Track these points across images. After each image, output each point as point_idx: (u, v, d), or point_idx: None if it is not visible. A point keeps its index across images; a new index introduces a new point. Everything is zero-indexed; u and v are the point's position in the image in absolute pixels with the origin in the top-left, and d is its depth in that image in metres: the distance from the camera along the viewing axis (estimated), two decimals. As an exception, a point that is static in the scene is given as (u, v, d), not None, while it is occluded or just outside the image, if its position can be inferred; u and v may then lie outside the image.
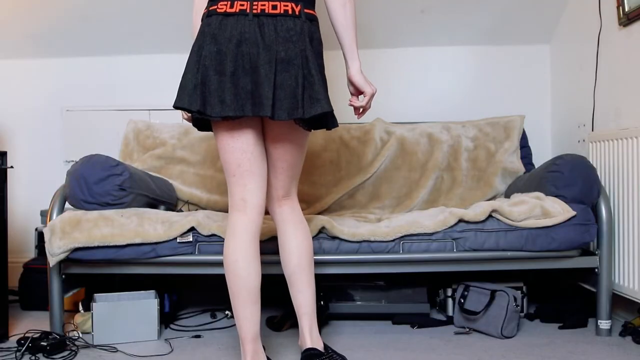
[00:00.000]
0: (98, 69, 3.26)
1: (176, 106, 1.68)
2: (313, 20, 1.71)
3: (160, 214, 2.26)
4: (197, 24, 1.80)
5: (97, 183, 2.19)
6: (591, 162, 2.34)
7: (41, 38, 3.15)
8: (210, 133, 2.93)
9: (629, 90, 2.41)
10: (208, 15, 1.69)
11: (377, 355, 2.07)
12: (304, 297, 1.85)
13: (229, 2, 1.66)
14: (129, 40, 3.17)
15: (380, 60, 3.20)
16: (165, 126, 3.00)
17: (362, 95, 1.78)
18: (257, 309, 1.74)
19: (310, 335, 1.84)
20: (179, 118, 3.24)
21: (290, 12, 1.65)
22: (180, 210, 2.70)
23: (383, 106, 3.19)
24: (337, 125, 1.80)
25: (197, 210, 2.67)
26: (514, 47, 3.19)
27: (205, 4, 1.77)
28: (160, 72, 3.25)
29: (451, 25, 3.10)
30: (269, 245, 2.18)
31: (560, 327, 2.36)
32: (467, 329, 2.34)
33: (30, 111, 3.27)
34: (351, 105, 1.80)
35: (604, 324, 2.24)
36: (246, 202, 1.74)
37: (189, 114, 1.86)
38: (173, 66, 3.25)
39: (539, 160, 2.97)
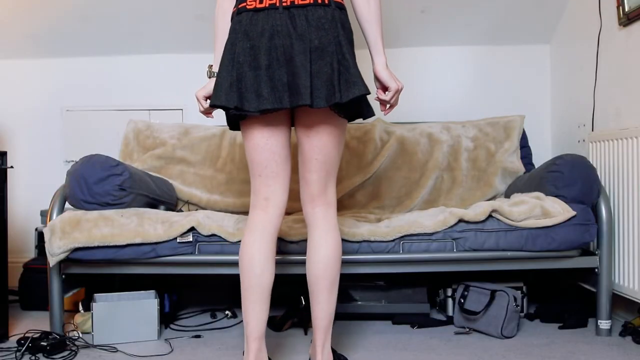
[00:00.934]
0: (98, 69, 3.26)
1: (213, 104, 1.68)
2: (342, 8, 1.71)
3: (160, 214, 2.26)
4: (220, 22, 1.80)
5: (97, 183, 2.19)
6: (591, 162, 2.34)
7: (41, 38, 3.15)
8: (210, 133, 2.93)
9: (629, 90, 2.41)
10: (238, 12, 1.69)
11: (377, 355, 2.07)
12: (322, 310, 1.79)
13: None
14: (129, 40, 3.18)
15: (380, 60, 3.20)
16: (165, 126, 3.00)
17: (388, 91, 1.76)
18: (266, 307, 1.74)
19: (322, 350, 1.79)
20: (179, 118, 3.25)
21: (320, 1, 1.66)
22: (180, 210, 2.70)
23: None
24: (374, 114, 1.78)
25: (197, 210, 2.67)
26: (514, 47, 3.19)
27: (230, 2, 1.77)
28: (160, 72, 3.25)
29: (451, 25, 3.10)
30: (269, 245, 2.19)
31: (560, 327, 2.36)
32: (467, 329, 2.34)
33: (30, 111, 3.28)
34: (377, 99, 1.80)
35: (604, 324, 2.24)
36: (269, 202, 1.74)
37: (207, 107, 1.83)
38: (173, 66, 3.26)
39: (539, 160, 2.97)
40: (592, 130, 2.68)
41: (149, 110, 3.25)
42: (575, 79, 2.89)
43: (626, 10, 2.39)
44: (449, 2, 2.96)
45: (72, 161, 3.19)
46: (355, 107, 1.73)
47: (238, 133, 2.94)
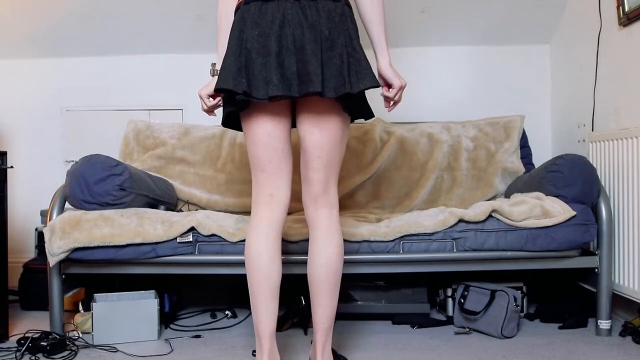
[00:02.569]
0: (98, 69, 3.26)
1: (219, 88, 1.65)
2: (349, 6, 1.73)
3: (160, 214, 2.26)
4: (223, 20, 1.79)
5: (97, 183, 2.19)
6: (591, 162, 2.34)
7: (41, 38, 3.15)
8: (210, 133, 2.93)
9: (629, 90, 2.41)
10: (246, 2, 1.69)
11: (377, 355, 2.07)
12: (323, 312, 1.77)
13: None
14: (129, 40, 3.18)
15: (380, 60, 3.20)
16: (165, 126, 3.00)
17: (392, 88, 1.78)
18: (276, 305, 1.72)
19: (322, 351, 1.78)
20: (179, 118, 3.25)
21: None
22: (180, 210, 2.70)
23: (383, 106, 3.18)
24: (373, 116, 1.81)
25: (197, 210, 2.67)
26: (514, 47, 3.19)
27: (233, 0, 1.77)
28: (160, 72, 3.25)
29: (451, 25, 3.10)
30: (269, 245, 2.19)
31: (560, 327, 2.36)
32: (467, 329, 2.34)
33: (30, 111, 3.28)
34: (382, 95, 1.82)
35: (604, 324, 2.24)
36: (273, 198, 1.73)
37: (210, 106, 1.83)
38: (173, 66, 3.26)
39: (539, 160, 2.97)
40: (592, 130, 2.68)
41: (149, 110, 3.25)
42: (575, 79, 2.89)
43: (626, 10, 2.39)
44: (449, 2, 2.96)
45: (72, 161, 3.20)
46: (359, 105, 1.75)
47: (239, 133, 2.93)
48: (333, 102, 1.70)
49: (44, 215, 2.81)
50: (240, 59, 1.64)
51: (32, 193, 3.25)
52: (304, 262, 2.21)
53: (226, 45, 1.74)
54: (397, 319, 2.46)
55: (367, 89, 1.65)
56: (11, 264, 2.64)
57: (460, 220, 2.22)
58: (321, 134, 1.72)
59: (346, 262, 2.21)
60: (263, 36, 1.63)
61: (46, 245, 2.13)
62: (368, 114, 1.79)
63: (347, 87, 1.62)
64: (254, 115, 1.71)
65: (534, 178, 2.44)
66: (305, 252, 2.19)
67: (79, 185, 2.19)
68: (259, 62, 1.62)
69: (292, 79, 1.61)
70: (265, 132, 1.71)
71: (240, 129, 1.83)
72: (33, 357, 2.05)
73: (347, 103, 1.70)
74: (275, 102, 1.66)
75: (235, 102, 1.67)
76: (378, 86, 1.68)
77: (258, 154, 1.73)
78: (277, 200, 1.74)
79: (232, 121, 1.82)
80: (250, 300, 1.73)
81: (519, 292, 2.45)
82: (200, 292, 3.03)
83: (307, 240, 2.19)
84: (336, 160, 1.77)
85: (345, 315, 2.50)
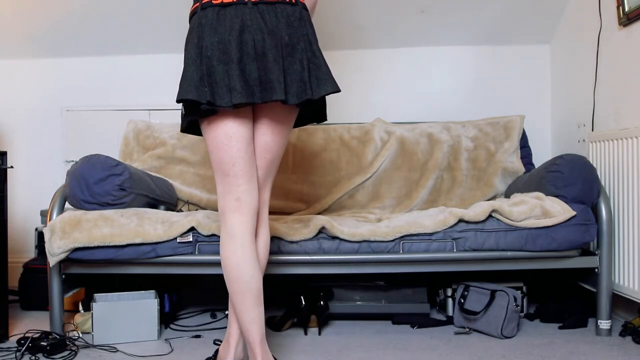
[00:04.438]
0: (98, 69, 3.26)
1: (182, 99, 1.64)
2: (306, 9, 1.74)
3: (160, 214, 2.26)
4: None
5: (97, 183, 2.19)
6: (591, 162, 2.34)
7: (41, 38, 3.15)
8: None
9: (629, 90, 2.41)
10: (202, 7, 1.67)
11: (377, 355, 2.07)
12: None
13: None
14: (129, 40, 3.17)
15: (380, 60, 3.20)
16: (165, 126, 3.00)
17: None
18: (262, 310, 1.71)
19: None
20: (179, 118, 3.25)
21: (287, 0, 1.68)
22: (180, 210, 2.69)
23: (383, 106, 3.19)
24: (327, 119, 1.84)
25: (197, 210, 2.67)
26: (514, 47, 3.19)
27: None
28: (160, 72, 3.25)
29: (451, 25, 3.10)
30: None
31: (560, 327, 2.36)
32: (467, 329, 2.34)
33: (30, 111, 3.28)
34: None
35: (604, 324, 2.24)
36: (241, 202, 1.69)
37: None
38: (173, 66, 3.25)
39: (539, 160, 2.97)
40: (592, 130, 2.68)
41: (149, 110, 3.25)
42: (575, 79, 2.89)
43: (626, 10, 2.39)
44: (449, 2, 2.96)
45: (72, 161, 3.19)
46: (318, 109, 1.78)
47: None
48: (292, 108, 1.74)
49: (44, 215, 2.81)
50: (201, 68, 1.63)
51: (32, 193, 3.25)
52: (304, 263, 2.22)
53: None
54: (397, 319, 2.46)
55: (327, 94, 1.66)
56: (11, 264, 2.64)
57: (460, 220, 2.22)
58: (272, 137, 1.77)
59: (346, 262, 2.22)
60: (223, 43, 1.62)
61: (46, 245, 2.13)
62: (323, 117, 1.83)
63: (308, 93, 1.64)
64: (215, 119, 1.68)
65: (534, 178, 2.44)
66: (305, 253, 2.20)
67: (79, 185, 2.19)
68: (221, 69, 1.61)
69: (254, 86, 1.61)
70: (226, 135, 1.68)
71: (199, 134, 1.82)
72: (33, 357, 2.05)
73: (307, 108, 1.74)
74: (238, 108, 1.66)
75: (199, 110, 1.65)
76: (339, 91, 1.68)
77: (221, 158, 1.69)
78: (245, 205, 1.70)
79: (191, 127, 1.81)
80: (235, 311, 1.70)
81: (519, 292, 2.45)
82: (200, 292, 3.03)
83: (307, 240, 2.20)
84: (278, 162, 1.83)
85: (345, 315, 2.50)
